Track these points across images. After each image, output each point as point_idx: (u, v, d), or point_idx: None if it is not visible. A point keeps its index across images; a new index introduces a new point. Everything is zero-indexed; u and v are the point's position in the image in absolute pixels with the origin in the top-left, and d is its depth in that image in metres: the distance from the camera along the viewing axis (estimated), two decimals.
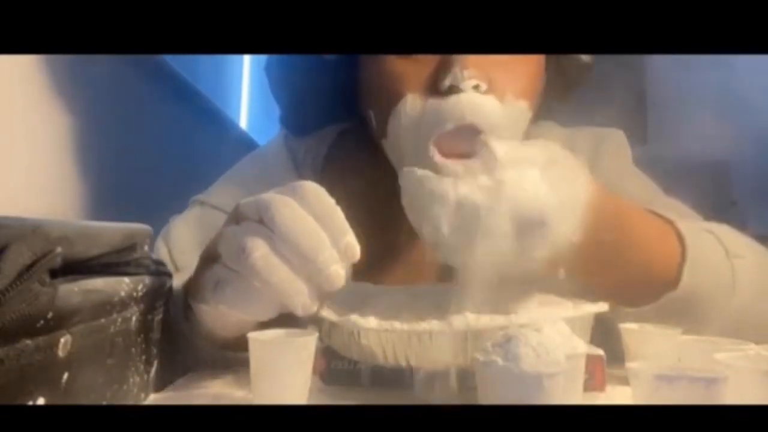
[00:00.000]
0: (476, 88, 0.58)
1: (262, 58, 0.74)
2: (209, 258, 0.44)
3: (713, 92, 2.59)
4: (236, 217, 0.43)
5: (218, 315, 0.46)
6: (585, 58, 0.69)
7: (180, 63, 1.15)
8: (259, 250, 0.40)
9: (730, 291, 0.55)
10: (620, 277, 0.52)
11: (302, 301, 0.41)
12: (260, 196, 0.43)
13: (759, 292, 0.57)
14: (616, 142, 0.76)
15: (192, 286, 0.47)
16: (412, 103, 0.59)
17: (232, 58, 1.86)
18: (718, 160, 2.49)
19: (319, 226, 0.41)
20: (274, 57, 0.72)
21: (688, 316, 0.52)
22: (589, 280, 0.49)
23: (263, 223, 0.41)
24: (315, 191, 0.42)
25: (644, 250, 0.52)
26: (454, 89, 0.57)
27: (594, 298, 0.49)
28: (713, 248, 0.56)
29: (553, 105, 0.73)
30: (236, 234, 0.42)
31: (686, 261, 0.53)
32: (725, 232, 0.59)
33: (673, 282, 0.53)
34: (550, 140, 0.56)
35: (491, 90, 0.59)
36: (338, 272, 0.41)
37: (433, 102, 0.58)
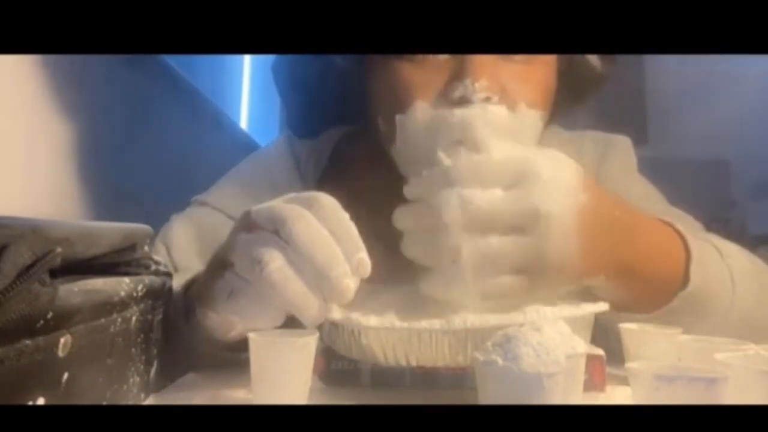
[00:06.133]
0: (487, 100, 0.57)
1: (263, 58, 0.74)
2: (220, 265, 0.44)
3: (713, 92, 2.59)
4: (248, 225, 0.43)
5: (224, 321, 0.46)
6: (599, 68, 0.68)
7: (180, 63, 1.15)
8: (275, 262, 0.40)
9: (731, 291, 0.56)
10: (637, 288, 0.52)
11: (312, 314, 0.41)
12: (273, 205, 0.43)
13: (756, 293, 0.57)
14: (622, 148, 0.76)
15: (201, 293, 0.47)
16: (421, 111, 0.59)
17: (232, 58, 1.86)
18: (718, 160, 2.50)
19: (333, 240, 0.41)
20: (282, 58, 0.72)
21: (696, 316, 0.52)
22: (606, 295, 0.49)
23: (278, 234, 0.41)
24: (331, 205, 0.42)
25: (656, 257, 0.52)
26: (464, 100, 0.57)
27: (595, 298, 0.49)
28: (709, 250, 0.57)
29: (561, 112, 0.73)
30: (251, 244, 0.42)
31: (692, 259, 0.53)
32: (714, 238, 0.60)
33: (682, 281, 0.53)
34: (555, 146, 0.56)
35: (503, 100, 0.58)
36: (350, 287, 0.41)
37: (443, 112, 0.58)
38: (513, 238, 0.45)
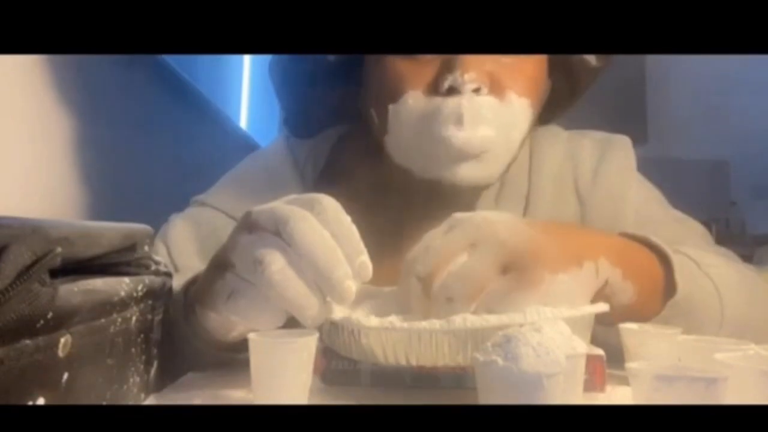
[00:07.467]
0: (476, 91, 0.58)
1: (263, 58, 0.74)
2: (221, 265, 0.44)
3: (714, 92, 2.59)
4: (249, 226, 0.43)
5: (224, 322, 0.46)
6: (593, 61, 0.69)
7: (180, 63, 1.15)
8: (277, 263, 0.40)
9: (717, 299, 0.56)
10: (627, 311, 0.52)
11: (313, 315, 0.41)
12: (275, 206, 0.43)
13: (745, 298, 0.58)
14: (622, 148, 0.75)
15: (201, 293, 0.47)
16: (413, 100, 0.61)
17: (232, 58, 1.86)
18: (718, 160, 2.50)
19: (335, 242, 0.41)
20: (278, 59, 0.72)
21: (687, 325, 0.52)
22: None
23: (280, 235, 0.41)
24: (332, 207, 0.42)
25: (641, 281, 0.52)
26: (453, 91, 0.58)
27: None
28: (684, 261, 0.57)
29: (559, 108, 0.73)
30: (252, 244, 0.42)
31: (674, 267, 0.53)
32: (691, 250, 0.60)
33: (666, 290, 0.53)
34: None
35: (492, 90, 0.60)
36: (351, 288, 0.41)
37: (434, 101, 0.59)
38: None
